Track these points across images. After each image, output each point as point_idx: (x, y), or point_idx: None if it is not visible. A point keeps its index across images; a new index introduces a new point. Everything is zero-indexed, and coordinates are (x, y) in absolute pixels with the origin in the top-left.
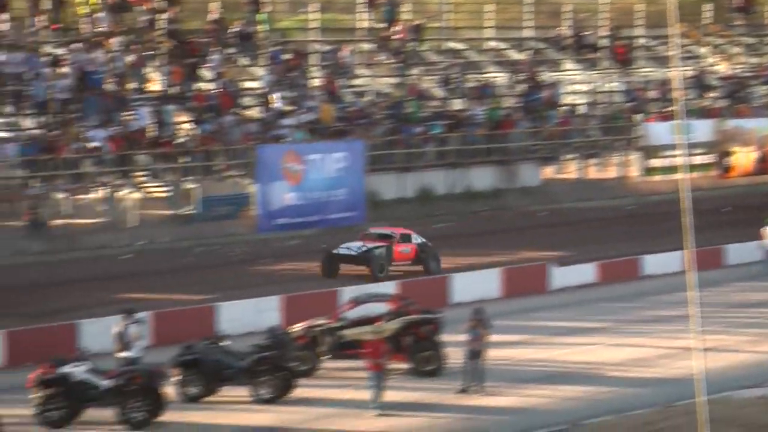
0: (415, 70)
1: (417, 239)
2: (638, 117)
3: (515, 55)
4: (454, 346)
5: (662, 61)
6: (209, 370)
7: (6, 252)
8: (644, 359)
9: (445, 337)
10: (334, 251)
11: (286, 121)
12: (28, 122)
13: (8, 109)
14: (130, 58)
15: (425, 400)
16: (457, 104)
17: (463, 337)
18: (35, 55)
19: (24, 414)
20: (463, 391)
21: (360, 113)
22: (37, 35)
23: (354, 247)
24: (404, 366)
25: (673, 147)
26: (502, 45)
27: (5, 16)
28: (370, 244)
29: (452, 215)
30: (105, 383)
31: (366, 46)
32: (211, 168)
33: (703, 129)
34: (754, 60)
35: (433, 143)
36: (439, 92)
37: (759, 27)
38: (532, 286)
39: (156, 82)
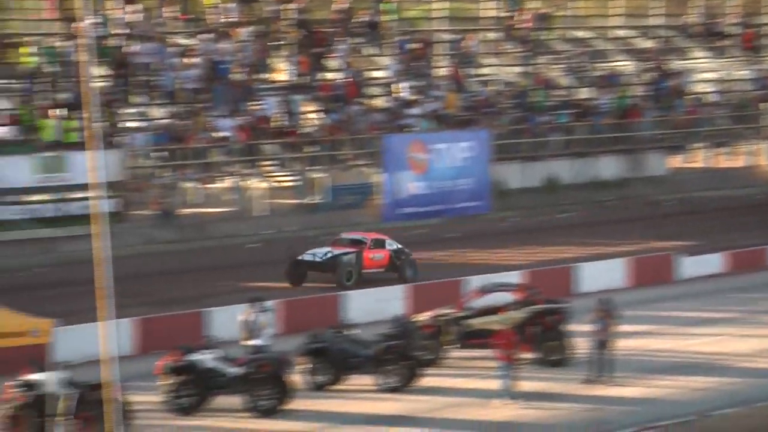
0: (541, 59)
1: (392, 245)
2: None
3: (643, 44)
4: (580, 336)
5: None
6: (336, 359)
7: (136, 241)
8: None
9: (571, 327)
10: (299, 257)
11: (412, 111)
12: (157, 112)
13: (139, 99)
14: (257, 48)
15: (551, 390)
16: (584, 93)
17: (589, 327)
18: (164, 45)
19: (153, 401)
20: (589, 381)
21: (486, 102)
22: (166, 26)
23: (320, 253)
24: (530, 356)
25: None
26: (629, 33)
27: (137, 7)
28: (339, 250)
29: (578, 204)
30: (233, 371)
31: (492, 34)
32: (337, 157)
33: None
34: None
35: (560, 132)
36: (565, 81)
37: None
38: (659, 276)
39: (283, 72)
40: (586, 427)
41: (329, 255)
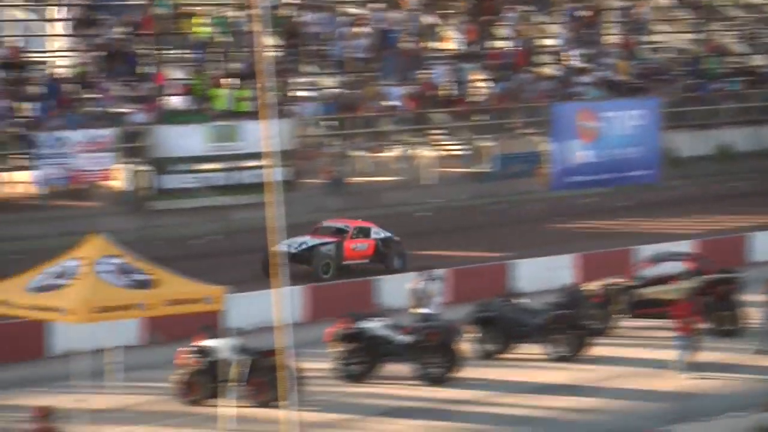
0: (714, 25)
1: (378, 234)
2: None
3: None
4: (754, 307)
5: None
6: (505, 328)
7: (306, 209)
8: None
9: (744, 297)
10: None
11: (582, 79)
12: (327, 81)
13: (309, 68)
14: (426, 17)
15: (723, 361)
16: (758, 60)
17: (763, 298)
18: (335, 14)
19: (323, 368)
20: (763, 351)
21: (657, 70)
22: None
23: (294, 243)
24: (702, 326)
25: None
26: None
27: None
28: (317, 240)
29: (751, 173)
30: (402, 339)
31: (664, 1)
32: (505, 126)
33: None
34: None
35: (732, 100)
36: (738, 48)
37: None
38: None
39: (452, 41)
40: (759, 397)
41: (304, 246)
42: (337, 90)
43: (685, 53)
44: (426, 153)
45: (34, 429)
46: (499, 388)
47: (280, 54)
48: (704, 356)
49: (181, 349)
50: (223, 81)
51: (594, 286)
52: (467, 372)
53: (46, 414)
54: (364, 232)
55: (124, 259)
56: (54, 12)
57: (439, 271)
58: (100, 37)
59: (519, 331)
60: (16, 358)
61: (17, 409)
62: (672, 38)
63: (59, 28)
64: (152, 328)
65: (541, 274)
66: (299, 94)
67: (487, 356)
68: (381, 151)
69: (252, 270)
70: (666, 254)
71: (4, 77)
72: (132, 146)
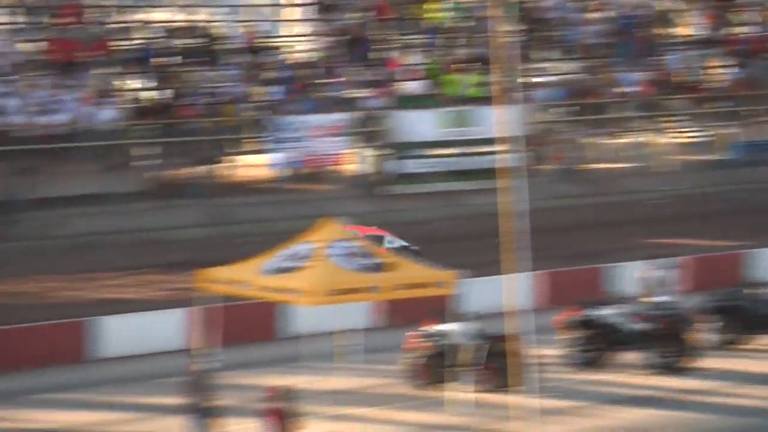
0: None
1: (392, 243)
2: None
3: None
4: None
5: None
6: (741, 317)
7: (540, 195)
8: None
9: None
10: None
11: None
12: (562, 67)
13: (544, 53)
14: (664, 3)
15: None
16: None
17: None
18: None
19: (553, 354)
20: None
21: None
22: None
23: None
24: None
25: None
26: None
27: None
28: None
29: None
30: (634, 327)
31: None
32: (745, 113)
33: None
34: None
35: None
36: None
37: None
38: None
39: (690, 26)
40: None
41: None
42: (572, 76)
43: None
44: (661, 140)
45: (268, 408)
46: (734, 379)
47: (516, 39)
48: None
49: (410, 333)
50: (457, 66)
51: None
52: (701, 361)
53: (280, 394)
54: (376, 241)
55: (357, 242)
56: None
57: (673, 259)
58: (338, 23)
59: (756, 321)
60: (249, 338)
61: (250, 388)
62: None
63: (297, 13)
64: (384, 311)
65: None
66: (534, 79)
67: (723, 346)
68: (616, 138)
69: (487, 254)
70: None
71: (242, 62)
72: (366, 131)
